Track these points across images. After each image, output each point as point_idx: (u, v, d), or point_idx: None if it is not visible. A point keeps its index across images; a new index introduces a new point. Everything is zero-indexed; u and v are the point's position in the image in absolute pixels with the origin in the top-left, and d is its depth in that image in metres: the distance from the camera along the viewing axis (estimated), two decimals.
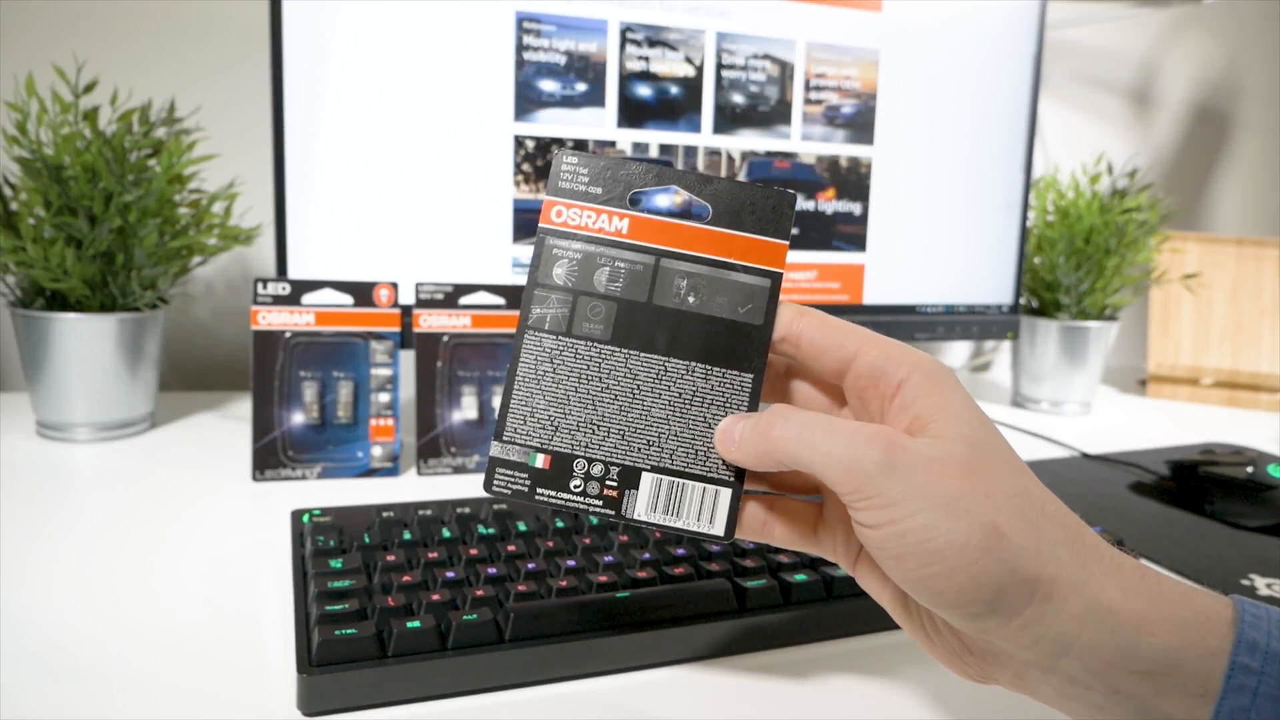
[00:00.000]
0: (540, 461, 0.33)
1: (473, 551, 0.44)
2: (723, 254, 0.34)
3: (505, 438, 0.33)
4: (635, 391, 0.33)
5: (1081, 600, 0.28)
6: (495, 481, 0.33)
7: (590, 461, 0.33)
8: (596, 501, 0.33)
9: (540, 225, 0.34)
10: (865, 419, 0.33)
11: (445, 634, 0.38)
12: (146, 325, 0.71)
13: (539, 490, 0.33)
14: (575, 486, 0.33)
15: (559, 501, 0.33)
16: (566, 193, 0.34)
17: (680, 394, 0.33)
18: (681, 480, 0.33)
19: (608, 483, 0.33)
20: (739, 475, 0.34)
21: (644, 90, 0.73)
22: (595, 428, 0.33)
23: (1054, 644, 0.28)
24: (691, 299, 0.34)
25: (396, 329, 0.66)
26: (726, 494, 0.33)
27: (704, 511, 0.33)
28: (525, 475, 0.33)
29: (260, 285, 0.64)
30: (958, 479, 0.28)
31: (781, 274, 0.34)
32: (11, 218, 0.68)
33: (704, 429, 0.33)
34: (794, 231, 0.79)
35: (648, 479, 0.33)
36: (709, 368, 0.34)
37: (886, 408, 0.32)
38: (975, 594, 0.27)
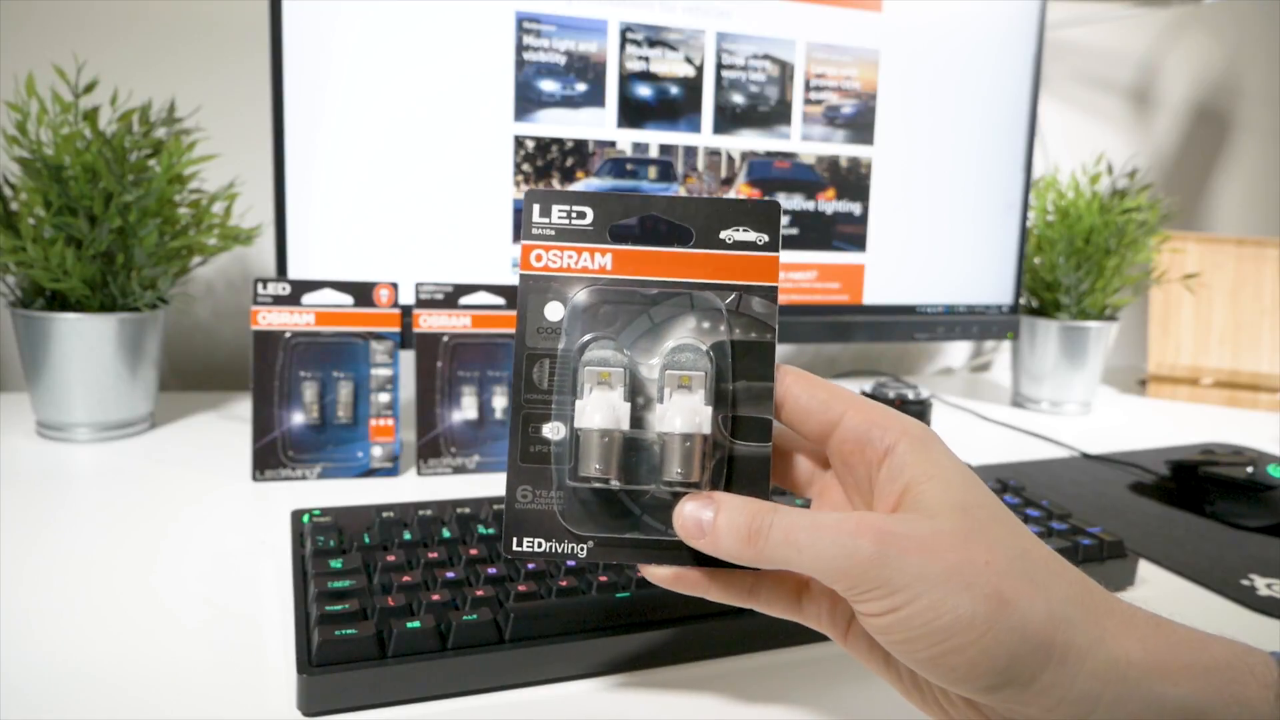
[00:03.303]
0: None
1: (473, 551, 0.44)
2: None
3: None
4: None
5: (1099, 657, 0.27)
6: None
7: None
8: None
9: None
10: (851, 485, 0.33)
11: (445, 634, 0.38)
12: (146, 325, 0.71)
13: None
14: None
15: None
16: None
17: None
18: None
19: None
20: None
21: (644, 90, 0.73)
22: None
23: (1077, 705, 0.27)
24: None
25: (396, 329, 0.66)
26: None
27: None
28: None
29: (260, 285, 0.64)
30: (955, 551, 0.28)
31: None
32: (11, 218, 0.68)
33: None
34: (794, 233, 0.79)
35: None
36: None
37: (874, 475, 0.31)
38: (988, 665, 0.27)
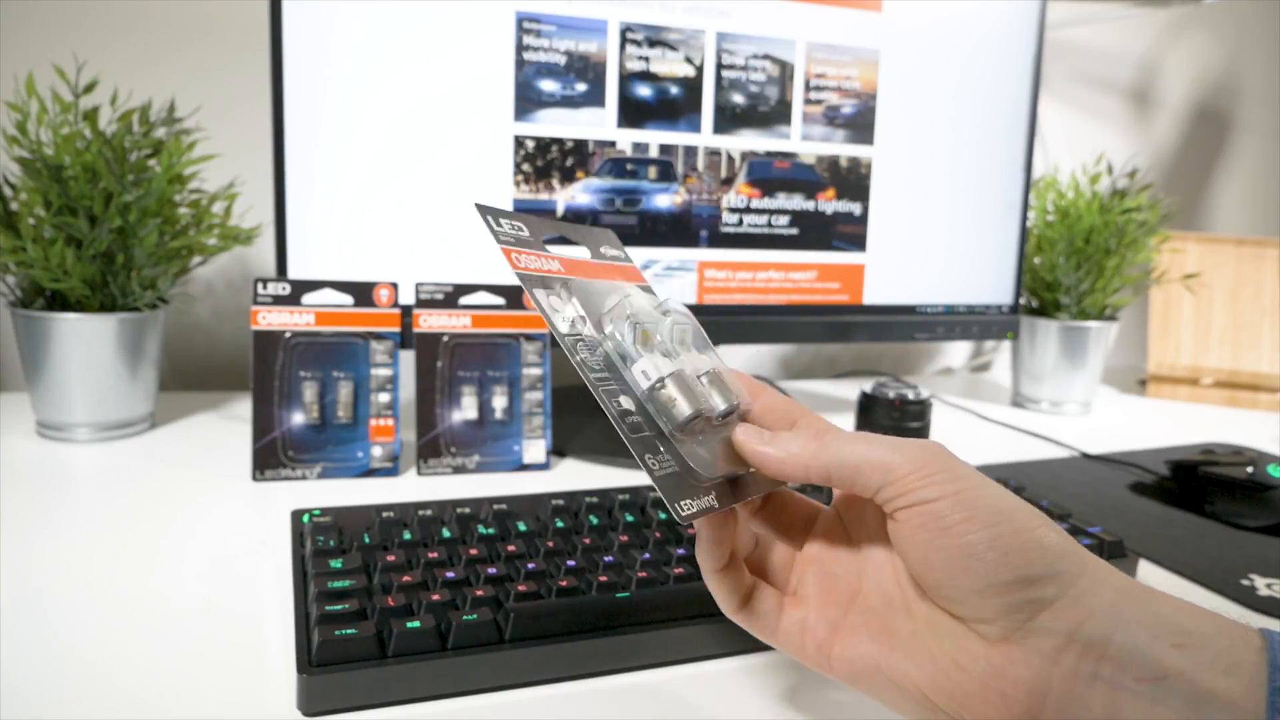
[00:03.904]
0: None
1: (473, 551, 0.44)
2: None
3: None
4: None
5: (1118, 580, 0.29)
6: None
7: None
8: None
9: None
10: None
11: (445, 634, 0.38)
12: (146, 325, 0.71)
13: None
14: None
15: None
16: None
17: None
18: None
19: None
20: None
21: (644, 90, 0.73)
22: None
23: (1105, 617, 0.28)
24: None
25: (396, 329, 0.66)
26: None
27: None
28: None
29: (260, 285, 0.64)
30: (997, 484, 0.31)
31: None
32: (11, 218, 0.68)
33: None
34: (794, 232, 0.79)
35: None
36: None
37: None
38: (1039, 554, 0.28)
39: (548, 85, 0.70)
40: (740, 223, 0.78)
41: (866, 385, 0.80)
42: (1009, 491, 0.30)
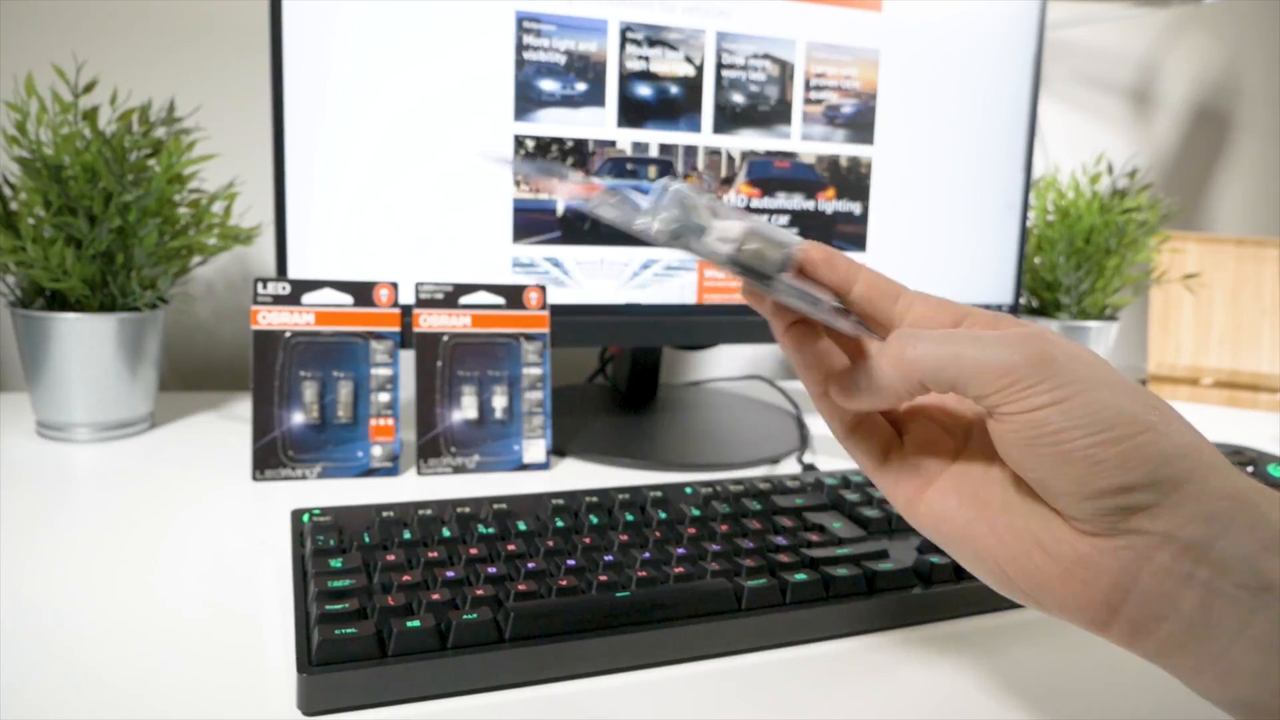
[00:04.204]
0: None
1: (473, 551, 0.44)
2: None
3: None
4: None
5: (1234, 480, 0.28)
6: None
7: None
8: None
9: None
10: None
11: (445, 634, 0.38)
12: (146, 325, 0.71)
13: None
14: None
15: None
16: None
17: None
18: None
19: None
20: None
21: (644, 90, 0.73)
22: None
23: (1208, 524, 0.27)
24: None
25: (396, 329, 0.66)
26: None
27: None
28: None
29: (260, 285, 0.64)
30: (1111, 373, 0.29)
31: None
32: (11, 218, 0.68)
33: None
34: (795, 232, 0.79)
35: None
36: None
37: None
38: (1139, 462, 0.27)
39: (548, 85, 0.70)
40: None
41: None
42: (1124, 388, 0.28)
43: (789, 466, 0.73)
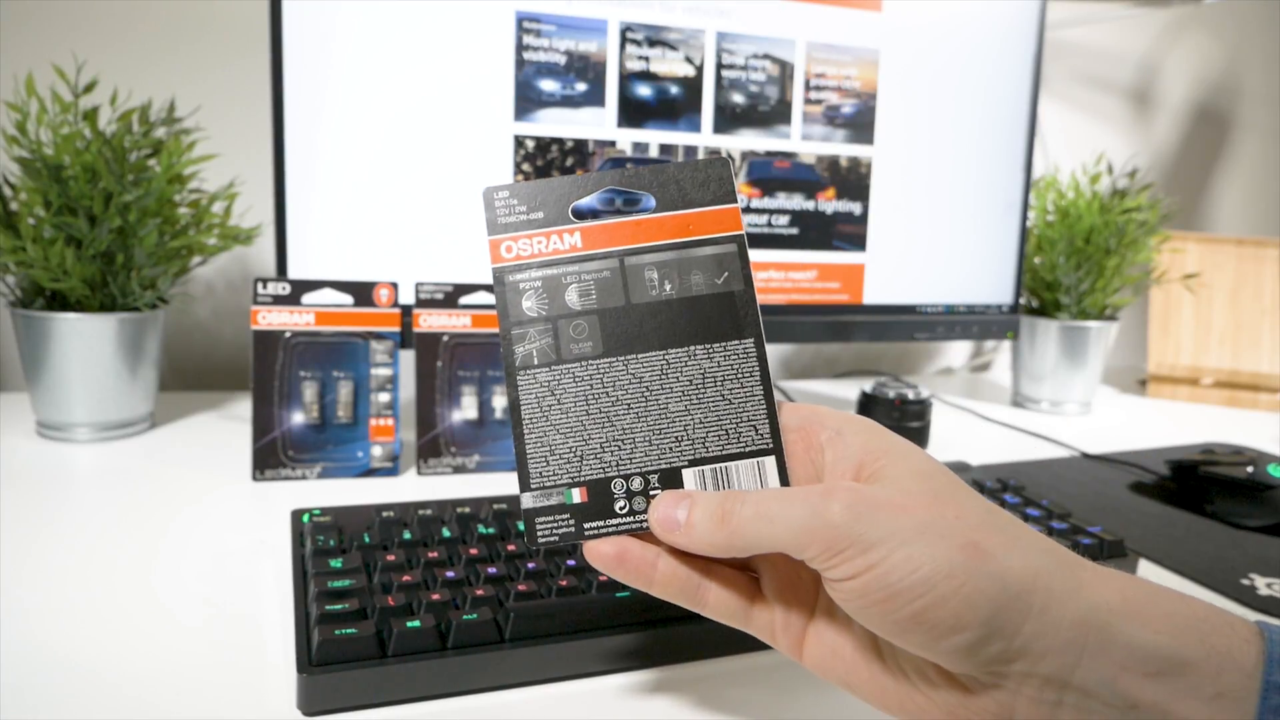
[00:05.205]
0: (577, 496, 0.32)
1: (473, 551, 0.44)
2: (680, 235, 0.34)
3: (533, 485, 0.32)
4: (646, 394, 0.33)
5: (1079, 604, 0.27)
6: (539, 533, 0.32)
7: (627, 478, 0.32)
8: (646, 516, 0.32)
9: (493, 266, 0.33)
10: (797, 474, 0.33)
11: (445, 634, 0.38)
12: (146, 325, 0.71)
13: (586, 525, 0.32)
14: (620, 509, 0.32)
15: (610, 529, 0.32)
16: (508, 227, 0.33)
17: (690, 381, 0.33)
18: (723, 464, 0.32)
19: (650, 493, 0.32)
20: (775, 436, 0.33)
21: (644, 90, 0.73)
22: (619, 443, 0.32)
23: (1061, 656, 0.27)
24: (668, 287, 0.33)
25: (396, 329, 0.66)
26: (771, 461, 0.33)
27: (756, 485, 0.32)
28: (566, 515, 0.32)
29: (260, 285, 0.64)
30: (925, 509, 0.28)
31: (743, 235, 0.34)
32: (11, 218, 0.68)
33: (725, 407, 0.33)
34: (794, 232, 0.79)
35: (690, 474, 0.32)
36: (709, 346, 0.33)
37: (820, 460, 0.32)
38: (971, 616, 0.26)
39: (548, 85, 0.70)
40: None
41: (867, 385, 0.80)
42: (941, 527, 0.27)
43: None
